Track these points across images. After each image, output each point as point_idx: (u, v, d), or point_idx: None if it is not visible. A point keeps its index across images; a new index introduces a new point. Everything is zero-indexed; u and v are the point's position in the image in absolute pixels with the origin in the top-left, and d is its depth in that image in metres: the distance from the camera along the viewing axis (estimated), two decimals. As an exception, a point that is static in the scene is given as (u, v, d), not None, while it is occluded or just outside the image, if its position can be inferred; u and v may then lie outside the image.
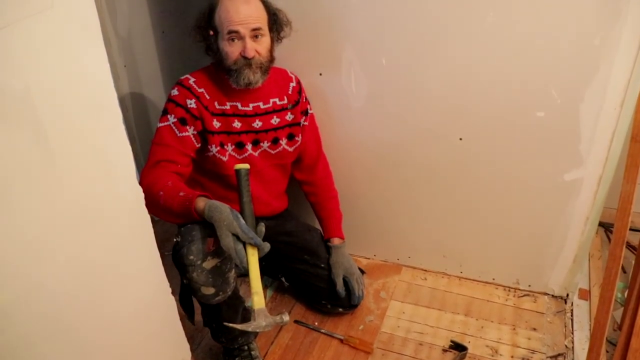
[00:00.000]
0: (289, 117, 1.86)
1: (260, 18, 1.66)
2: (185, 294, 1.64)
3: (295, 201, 2.12)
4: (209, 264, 1.53)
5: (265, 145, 1.85)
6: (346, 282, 2.00)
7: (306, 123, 1.93)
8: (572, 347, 1.91)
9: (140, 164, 1.16)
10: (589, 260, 2.24)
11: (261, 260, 1.64)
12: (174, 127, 1.69)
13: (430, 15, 1.71)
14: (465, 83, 1.78)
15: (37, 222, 0.96)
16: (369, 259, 2.36)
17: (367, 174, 2.11)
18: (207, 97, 1.73)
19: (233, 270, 1.61)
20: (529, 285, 2.15)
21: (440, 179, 2.01)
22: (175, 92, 1.72)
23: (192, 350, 1.59)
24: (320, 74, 1.92)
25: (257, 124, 1.81)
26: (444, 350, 1.93)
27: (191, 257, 1.51)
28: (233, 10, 1.63)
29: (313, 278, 1.99)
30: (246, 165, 1.52)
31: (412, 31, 1.76)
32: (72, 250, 1.06)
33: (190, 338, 1.59)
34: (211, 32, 1.69)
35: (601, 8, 1.53)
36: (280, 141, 1.87)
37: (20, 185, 0.92)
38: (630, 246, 2.24)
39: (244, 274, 2.17)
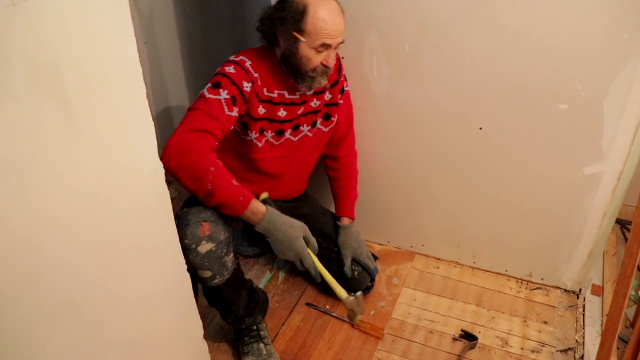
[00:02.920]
0: (327, 96, 1.84)
1: (344, 30, 1.65)
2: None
3: (312, 182, 2.12)
4: (204, 248, 1.55)
5: (305, 129, 1.84)
6: (359, 263, 2.01)
7: (341, 101, 1.90)
8: (583, 342, 1.91)
9: (158, 142, 1.17)
10: (604, 256, 2.23)
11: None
12: (224, 103, 1.61)
13: (455, 3, 1.69)
14: (489, 72, 1.77)
15: (57, 195, 0.97)
16: (382, 245, 2.36)
17: (386, 159, 2.11)
18: (259, 83, 1.68)
19: (231, 255, 1.63)
20: (542, 279, 2.14)
21: (459, 168, 2.00)
22: (231, 69, 1.64)
23: (204, 328, 1.60)
24: (342, 58, 1.91)
25: (301, 110, 1.80)
26: (454, 339, 1.94)
27: (186, 241, 1.53)
28: (331, 22, 1.58)
29: (325, 261, 1.99)
30: (265, 194, 1.63)
31: (437, 19, 1.74)
32: (90, 224, 1.06)
33: (203, 316, 1.60)
34: (295, 34, 1.60)
35: (633, 1, 1.51)
36: (317, 122, 1.86)
37: (44, 157, 0.92)
38: (646, 244, 2.21)
39: (255, 255, 2.20)
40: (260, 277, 2.19)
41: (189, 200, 1.71)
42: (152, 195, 1.24)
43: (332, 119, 1.89)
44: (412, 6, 1.75)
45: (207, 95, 1.60)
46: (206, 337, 1.65)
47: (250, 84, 1.65)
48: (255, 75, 1.66)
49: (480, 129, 1.88)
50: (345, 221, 2.05)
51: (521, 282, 2.17)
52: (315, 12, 1.57)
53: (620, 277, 1.56)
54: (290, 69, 1.68)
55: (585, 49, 1.62)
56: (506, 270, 2.19)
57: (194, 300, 1.52)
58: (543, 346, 1.91)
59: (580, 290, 2.10)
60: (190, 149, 1.50)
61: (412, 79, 1.88)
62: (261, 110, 1.71)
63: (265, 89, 1.69)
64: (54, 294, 1.01)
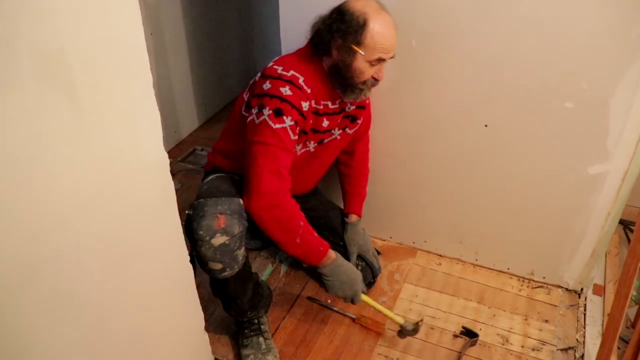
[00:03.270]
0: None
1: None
2: (192, 263, 1.67)
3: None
4: (218, 240, 1.54)
5: (336, 133, 1.83)
6: (363, 260, 2.01)
7: (368, 101, 1.91)
8: (584, 342, 1.91)
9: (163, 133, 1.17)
10: (606, 256, 2.22)
11: None
12: (289, 131, 1.59)
13: (462, 0, 1.69)
14: (495, 69, 1.76)
15: (61, 185, 0.97)
16: (384, 240, 2.36)
17: (389, 156, 2.10)
18: (313, 99, 1.66)
19: (243, 249, 1.63)
20: (544, 277, 2.14)
21: (463, 165, 2.00)
22: (288, 91, 1.58)
23: (205, 319, 1.61)
24: (348, 53, 1.90)
25: (340, 118, 1.79)
26: (455, 336, 1.94)
27: (200, 232, 1.54)
28: (388, 37, 1.59)
29: None
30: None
31: (444, 15, 1.74)
32: (94, 215, 1.06)
33: (204, 307, 1.61)
34: (354, 47, 1.58)
35: (642, 0, 1.50)
36: (347, 127, 1.86)
37: (50, 146, 0.92)
38: (649, 244, 2.21)
39: (257, 248, 2.22)
40: (263, 270, 2.20)
41: (203, 190, 1.70)
42: (157, 186, 1.24)
43: (358, 121, 1.88)
44: (418, 1, 1.74)
45: (274, 126, 1.57)
46: (207, 329, 1.65)
47: (307, 103, 1.63)
48: (309, 91, 1.63)
49: (486, 126, 1.88)
50: (353, 218, 2.06)
51: (523, 281, 2.17)
52: (375, 26, 1.56)
53: (622, 278, 1.55)
54: (339, 80, 1.66)
55: (593, 47, 1.61)
56: (508, 268, 2.19)
57: (195, 292, 1.53)
58: (543, 344, 1.91)
59: (582, 289, 2.10)
60: (283, 208, 1.63)
61: (417, 75, 1.88)
62: (310, 122, 1.71)
63: (313, 101, 1.67)
64: (56, 286, 1.01)
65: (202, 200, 1.60)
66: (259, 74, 1.68)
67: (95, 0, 0.93)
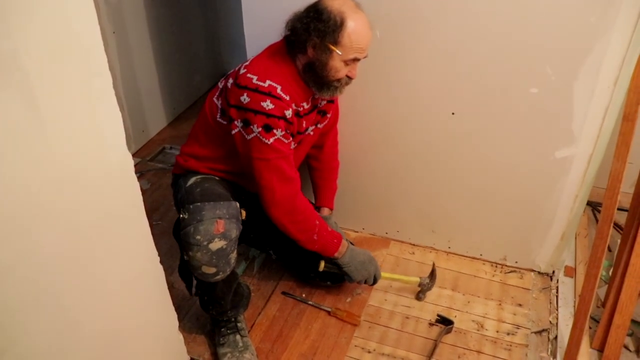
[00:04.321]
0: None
1: None
2: (185, 267, 1.65)
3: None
4: (215, 245, 1.54)
5: (309, 130, 1.82)
6: None
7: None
8: (557, 323, 1.94)
9: (127, 132, 1.15)
10: (576, 238, 2.26)
11: (249, 233, 1.70)
12: (283, 139, 1.61)
13: (426, -12, 1.69)
14: (459, 57, 1.77)
15: (25, 189, 0.95)
16: (357, 232, 2.36)
17: (358, 147, 2.10)
18: (293, 104, 1.65)
19: (235, 251, 1.62)
20: (516, 262, 2.17)
21: (432, 154, 2.01)
22: (269, 105, 1.56)
23: (179, 319, 1.59)
24: (314, 45, 1.89)
25: (314, 116, 1.78)
26: (431, 324, 1.95)
27: (198, 237, 1.52)
28: (365, 37, 1.58)
29: (303, 251, 1.95)
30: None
31: (407, 4, 1.73)
32: (60, 218, 1.04)
33: (178, 307, 1.59)
34: (331, 46, 1.56)
35: (600, -16, 1.52)
36: (319, 122, 1.85)
37: (8, 150, 0.90)
38: (617, 225, 2.25)
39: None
40: (236, 267, 2.18)
41: (196, 192, 1.66)
42: (122, 187, 1.22)
43: (328, 115, 1.88)
44: (382, -8, 1.74)
45: (268, 142, 1.59)
46: (182, 328, 1.64)
47: (290, 110, 1.62)
48: (288, 98, 1.61)
49: (453, 114, 1.88)
50: (325, 212, 2.06)
51: (496, 266, 2.19)
52: (352, 26, 1.54)
53: (592, 259, 1.58)
54: (313, 79, 1.64)
55: (555, 32, 1.63)
56: (481, 255, 2.21)
57: (167, 292, 1.51)
58: (518, 328, 1.93)
59: (553, 272, 2.13)
60: (299, 211, 1.72)
61: (383, 66, 1.88)
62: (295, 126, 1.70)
63: (294, 104, 1.65)
64: (22, 293, 0.99)
65: (199, 204, 1.58)
66: (230, 80, 1.64)
67: (49, 1, 0.91)
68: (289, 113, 1.61)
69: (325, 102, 1.82)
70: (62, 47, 0.96)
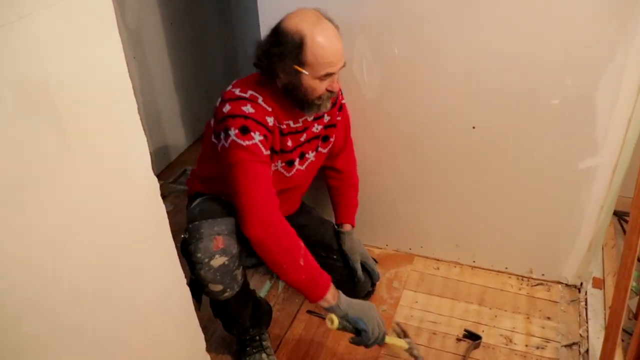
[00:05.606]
0: (326, 119, 1.81)
1: (343, 53, 1.58)
2: (195, 285, 1.65)
3: (309, 190, 2.10)
4: (217, 261, 1.54)
5: (310, 155, 1.81)
6: (365, 267, 1.99)
7: (340, 118, 1.87)
8: (587, 336, 1.90)
9: (149, 155, 1.16)
10: (603, 249, 2.23)
11: None
12: (261, 146, 1.56)
13: (442, 3, 1.69)
14: (479, 71, 1.77)
15: (52, 215, 0.96)
16: (381, 248, 2.35)
17: (379, 163, 2.10)
18: (275, 117, 1.63)
19: (241, 268, 1.62)
20: (543, 275, 2.14)
21: (454, 168, 2.00)
22: (250, 108, 1.55)
23: (206, 340, 1.59)
24: (332, 62, 1.90)
25: (303, 137, 1.76)
26: (458, 340, 1.93)
27: (199, 255, 1.53)
28: (331, 49, 1.51)
29: (328, 270, 1.90)
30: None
31: (425, 20, 1.74)
32: (87, 243, 1.05)
33: (204, 328, 1.59)
34: (297, 67, 1.52)
35: (619, -7, 1.51)
36: (319, 147, 1.84)
37: (37, 178, 0.91)
38: (644, 234, 2.21)
39: (254, 265, 2.19)
40: (261, 286, 2.18)
41: (196, 212, 1.68)
42: (148, 210, 1.23)
43: (331, 139, 1.86)
44: (398, 8, 1.75)
45: (243, 143, 1.53)
46: (209, 349, 1.64)
47: (272, 118, 1.60)
48: (270, 109, 1.60)
49: (474, 128, 1.88)
50: (346, 227, 2.02)
51: (522, 279, 2.16)
52: (314, 42, 1.49)
53: (621, 269, 1.55)
54: (294, 100, 1.62)
55: (574, 43, 1.62)
56: (506, 268, 2.19)
57: (194, 313, 1.51)
58: (547, 342, 1.90)
59: (581, 284, 2.10)
60: (277, 223, 1.56)
61: (403, 82, 1.88)
62: (278, 141, 1.68)
63: (276, 120, 1.63)
64: (54, 315, 1.00)
65: (197, 222, 1.59)
66: (218, 99, 1.65)
67: (75, 29, 0.93)
68: (270, 120, 1.58)
69: (322, 127, 1.80)
70: (88, 74, 0.98)
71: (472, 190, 2.03)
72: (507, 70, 1.73)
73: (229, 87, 1.64)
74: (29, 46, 0.85)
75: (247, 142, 1.53)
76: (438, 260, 2.28)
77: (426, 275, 2.22)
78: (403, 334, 1.91)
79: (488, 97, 1.80)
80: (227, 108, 1.57)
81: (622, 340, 1.82)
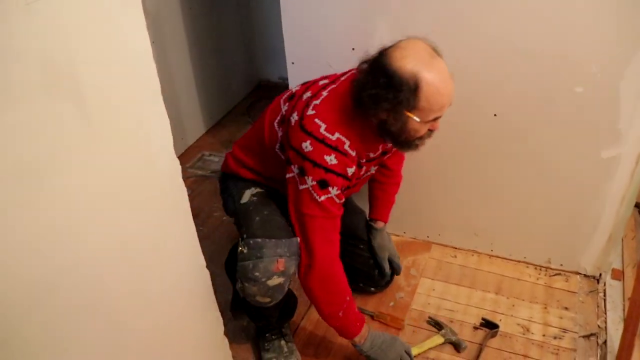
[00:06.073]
0: None
1: None
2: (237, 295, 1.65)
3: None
4: (274, 282, 1.53)
5: (373, 170, 1.78)
6: (391, 263, 2.00)
7: None
8: (605, 327, 1.89)
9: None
10: (622, 240, 2.20)
11: None
12: (336, 199, 1.50)
13: (466, -11, 1.68)
14: (501, 57, 1.75)
15: (74, 195, 0.96)
16: (398, 236, 2.34)
17: (398, 150, 2.09)
18: (357, 158, 1.55)
19: (290, 281, 1.61)
20: (561, 265, 2.13)
21: (474, 156, 1.99)
22: (333, 160, 1.46)
23: (224, 324, 1.60)
24: (353, 49, 1.89)
25: (375, 160, 1.71)
26: (475, 328, 1.92)
27: (257, 274, 1.51)
28: (446, 93, 1.40)
29: (350, 259, 1.88)
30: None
31: (446, 6, 1.72)
32: (108, 224, 1.06)
33: (223, 312, 1.60)
34: (408, 113, 1.41)
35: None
36: (381, 160, 1.80)
37: (61, 158, 0.92)
38: (665, 226, 2.19)
39: None
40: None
41: (255, 221, 1.62)
42: (170, 193, 1.24)
43: (390, 152, 1.81)
44: (422, -6, 1.73)
45: (319, 198, 1.48)
46: (227, 333, 1.64)
47: (353, 168, 1.52)
48: (354, 154, 1.50)
49: (495, 115, 1.86)
50: (380, 224, 1.99)
51: (540, 269, 2.15)
52: (429, 87, 1.36)
53: (643, 260, 1.54)
54: (392, 139, 1.52)
55: (601, 31, 1.60)
56: (525, 257, 2.18)
57: (213, 297, 1.52)
58: (565, 332, 1.89)
59: (600, 275, 2.08)
60: (335, 282, 1.58)
61: (424, 68, 1.86)
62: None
63: (359, 158, 1.57)
64: (74, 296, 1.01)
65: (259, 240, 1.54)
66: (295, 116, 1.52)
67: (101, 10, 0.93)
68: (351, 171, 1.51)
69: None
70: (112, 52, 0.98)
71: (492, 178, 2.01)
72: (530, 56, 1.71)
73: (312, 110, 1.50)
74: (55, 24, 0.85)
75: (322, 197, 1.48)
76: (456, 248, 2.27)
77: (444, 263, 2.21)
78: (438, 326, 1.92)
79: (510, 84, 1.78)
80: (308, 148, 1.46)
81: (642, 332, 1.80)
